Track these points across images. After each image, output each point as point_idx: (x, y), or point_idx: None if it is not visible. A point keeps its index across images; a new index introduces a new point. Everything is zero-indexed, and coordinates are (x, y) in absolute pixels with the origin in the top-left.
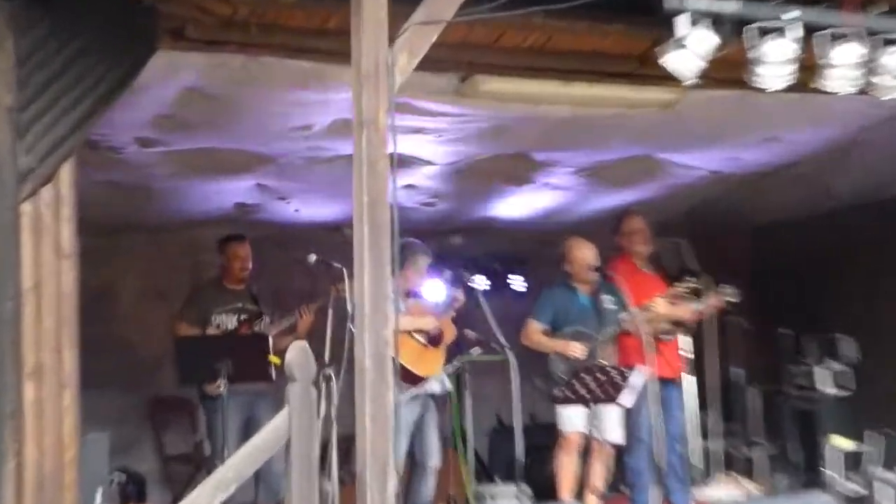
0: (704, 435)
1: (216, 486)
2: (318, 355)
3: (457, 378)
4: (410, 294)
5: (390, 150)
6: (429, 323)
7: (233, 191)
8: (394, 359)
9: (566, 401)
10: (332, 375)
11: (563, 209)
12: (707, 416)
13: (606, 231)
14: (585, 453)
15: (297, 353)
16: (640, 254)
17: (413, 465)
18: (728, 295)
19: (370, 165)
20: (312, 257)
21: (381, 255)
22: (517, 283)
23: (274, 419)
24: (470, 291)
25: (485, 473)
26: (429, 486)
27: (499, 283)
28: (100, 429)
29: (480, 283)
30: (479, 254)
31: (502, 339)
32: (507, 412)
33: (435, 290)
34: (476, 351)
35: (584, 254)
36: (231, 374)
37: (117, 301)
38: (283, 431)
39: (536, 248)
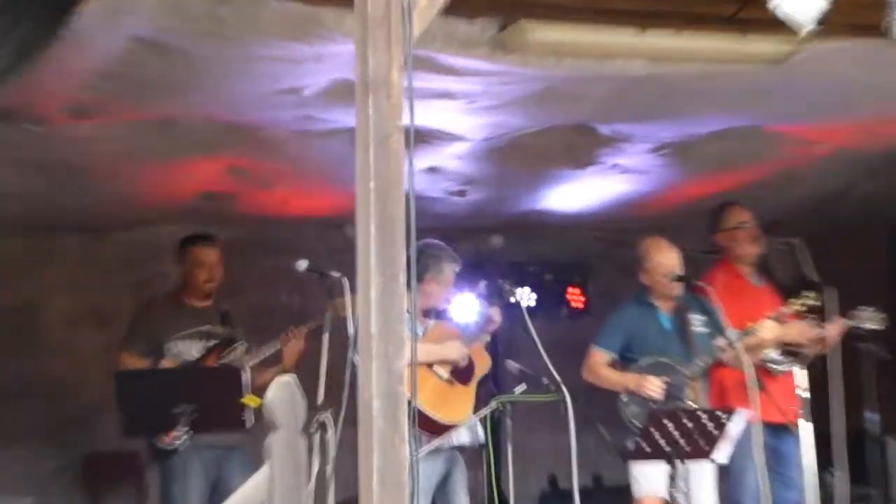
0: (827, 501)
1: None
2: (310, 395)
3: (493, 425)
4: (431, 313)
5: (406, 120)
6: (455, 351)
7: (197, 176)
8: (410, 400)
9: (641, 456)
10: (329, 422)
11: (637, 199)
12: (830, 475)
13: (698, 229)
14: None
15: (281, 392)
16: (745, 258)
17: None
18: (867, 319)
19: (379, 141)
20: (303, 264)
21: (393, 261)
22: (575, 298)
23: (250, 480)
24: (511, 309)
25: None
26: None
27: (550, 299)
28: (17, 497)
29: (525, 297)
30: (524, 259)
31: (555, 373)
32: (562, 471)
33: (465, 307)
34: (519, 389)
35: (666, 259)
36: (193, 422)
37: (40, 326)
38: (262, 495)
39: (601, 251)
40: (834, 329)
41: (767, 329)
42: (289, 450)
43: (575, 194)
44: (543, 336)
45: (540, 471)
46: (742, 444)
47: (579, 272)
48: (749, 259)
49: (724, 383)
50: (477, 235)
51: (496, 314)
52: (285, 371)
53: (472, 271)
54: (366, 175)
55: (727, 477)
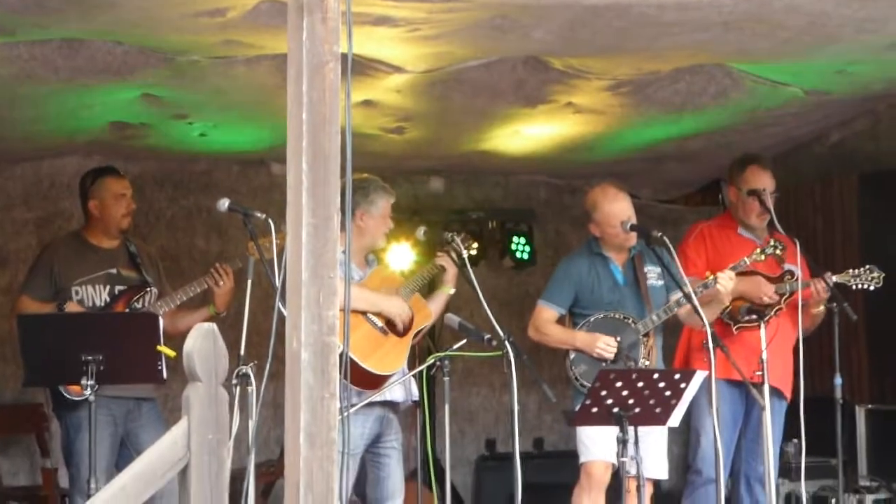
0: (786, 473)
1: None
2: (232, 346)
3: (429, 382)
4: (371, 260)
5: (343, 47)
6: (395, 307)
7: (107, 104)
8: (342, 353)
9: (588, 419)
10: (251, 375)
11: (591, 142)
12: (791, 445)
13: (658, 175)
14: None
15: (201, 340)
16: (746, 223)
17: None
18: (863, 279)
19: (313, 69)
20: (224, 203)
21: (326, 201)
22: (521, 248)
23: (166, 435)
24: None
25: None
26: None
27: (494, 248)
28: None
29: (467, 246)
30: (467, 206)
31: (498, 328)
32: (501, 434)
33: (401, 254)
34: (459, 344)
35: (617, 208)
36: (103, 372)
37: None
38: (180, 452)
39: (550, 198)
40: (819, 284)
41: (724, 280)
42: (209, 403)
43: (524, 136)
44: (485, 288)
45: (478, 433)
46: (699, 407)
47: (525, 220)
48: (750, 226)
49: (691, 343)
50: (416, 178)
51: (449, 263)
52: (218, 313)
53: (410, 216)
54: (298, 107)
55: (689, 440)
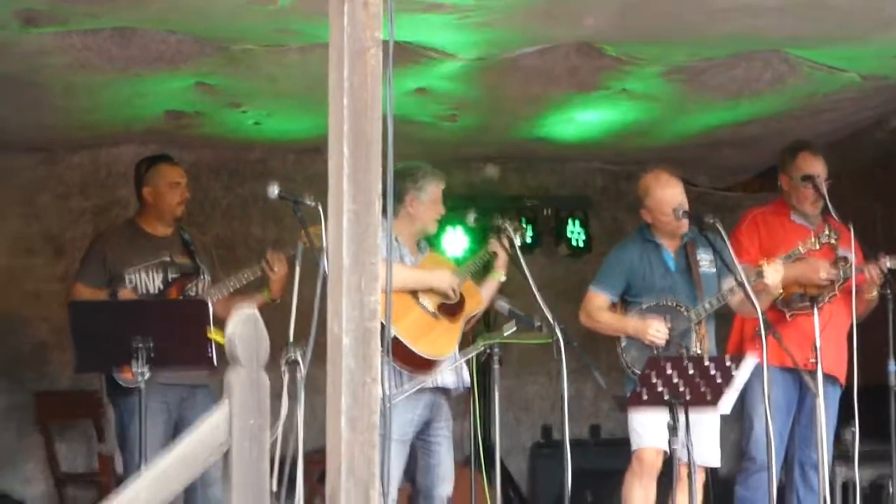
0: (843, 460)
1: None
2: (282, 331)
3: (481, 368)
4: (423, 245)
5: (385, 34)
6: (444, 281)
7: (162, 93)
8: (385, 333)
9: (638, 404)
10: (300, 359)
11: (646, 128)
12: (849, 433)
13: (713, 162)
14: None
15: (243, 325)
16: (799, 210)
17: (414, 492)
18: None
19: (354, 56)
20: (274, 190)
21: (368, 186)
22: (576, 235)
23: (208, 419)
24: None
25: None
26: None
27: (549, 235)
28: None
29: (520, 233)
30: (522, 192)
31: (548, 314)
32: (557, 421)
33: (455, 241)
34: (509, 328)
35: (669, 195)
36: (153, 358)
37: None
38: (221, 437)
39: (606, 185)
40: (873, 269)
41: (770, 273)
42: (251, 388)
43: (578, 122)
44: (540, 275)
45: (533, 420)
46: (753, 394)
47: (581, 207)
48: (803, 212)
49: (744, 332)
50: (470, 165)
51: (500, 249)
52: (272, 300)
53: (465, 203)
54: (339, 93)
55: (743, 428)
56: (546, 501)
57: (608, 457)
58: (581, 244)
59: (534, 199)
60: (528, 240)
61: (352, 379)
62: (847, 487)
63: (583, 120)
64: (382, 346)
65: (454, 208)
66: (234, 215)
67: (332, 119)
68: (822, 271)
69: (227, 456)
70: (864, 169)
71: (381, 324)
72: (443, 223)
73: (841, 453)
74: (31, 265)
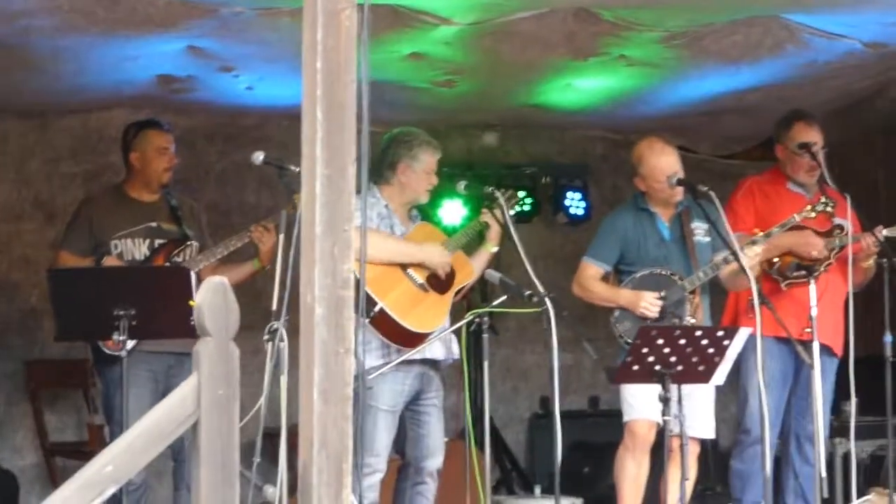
0: (844, 432)
1: (85, 487)
2: (266, 300)
3: (471, 340)
4: (414, 215)
5: None
6: (435, 256)
7: (153, 56)
8: (360, 299)
9: (629, 376)
10: (283, 331)
11: (646, 95)
12: (848, 404)
13: (716, 129)
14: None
15: (211, 295)
16: (795, 178)
17: (403, 463)
18: None
19: (328, 17)
20: (259, 156)
21: (341, 151)
22: (576, 204)
23: (176, 391)
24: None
25: (520, 480)
26: (426, 496)
27: (548, 204)
28: None
29: (513, 202)
30: (522, 160)
31: (538, 284)
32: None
33: (453, 210)
34: (499, 300)
35: (664, 162)
36: (135, 327)
37: None
38: (189, 409)
39: (608, 153)
40: (869, 238)
41: (757, 247)
42: (219, 359)
43: (577, 89)
44: (539, 244)
45: (531, 391)
46: (748, 365)
47: (580, 175)
48: (799, 181)
49: (738, 304)
50: (469, 132)
51: (492, 220)
52: (263, 267)
53: (463, 171)
54: (312, 55)
55: (738, 398)
56: (544, 473)
57: (607, 428)
58: (580, 213)
59: (532, 167)
60: (527, 208)
61: (324, 349)
62: (847, 459)
63: (581, 87)
64: (368, 314)
65: (450, 176)
66: (228, 181)
67: (306, 82)
68: (814, 249)
69: (195, 427)
70: (867, 137)
71: (367, 293)
72: (440, 192)
73: (841, 425)
74: (21, 231)
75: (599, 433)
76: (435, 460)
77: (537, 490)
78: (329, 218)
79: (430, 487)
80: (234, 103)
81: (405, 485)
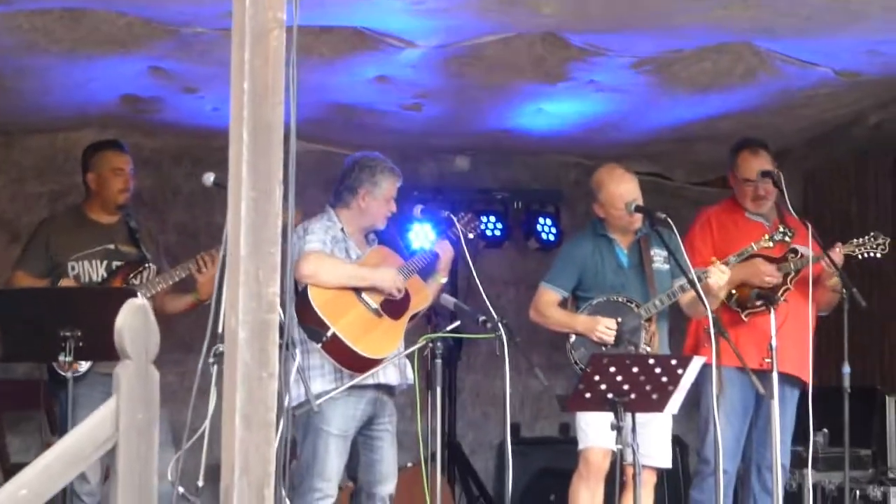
0: (813, 463)
1: None
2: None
3: (429, 366)
4: (371, 238)
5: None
6: (388, 280)
7: (116, 76)
8: (285, 327)
9: (581, 404)
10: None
11: (617, 122)
12: (820, 435)
13: (689, 156)
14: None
15: (132, 318)
16: (746, 207)
17: (356, 490)
18: (868, 246)
19: (255, 38)
20: (209, 178)
21: (268, 173)
22: (547, 229)
23: (94, 413)
24: (472, 240)
25: None
26: None
27: (519, 229)
28: None
29: (472, 226)
30: (493, 185)
31: (491, 310)
32: (527, 417)
33: (423, 234)
34: (452, 325)
35: (623, 190)
36: (81, 348)
37: None
38: (108, 431)
39: (581, 179)
40: (836, 256)
41: (715, 275)
42: (139, 381)
43: (548, 114)
44: (510, 270)
45: (501, 417)
46: (707, 395)
47: (552, 200)
48: (753, 210)
49: (698, 333)
50: (441, 156)
51: (445, 249)
52: (200, 301)
53: (434, 195)
54: (239, 76)
55: (699, 429)
56: (512, 500)
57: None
58: (552, 238)
59: (504, 192)
60: (498, 233)
61: (247, 374)
62: (817, 491)
63: (552, 111)
64: (320, 339)
65: (420, 200)
66: (196, 203)
67: (233, 103)
68: (767, 275)
69: (114, 451)
70: (840, 165)
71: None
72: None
73: (813, 456)
74: None
75: (568, 460)
76: (387, 486)
77: None
78: (254, 241)
79: None
80: (200, 124)
81: None
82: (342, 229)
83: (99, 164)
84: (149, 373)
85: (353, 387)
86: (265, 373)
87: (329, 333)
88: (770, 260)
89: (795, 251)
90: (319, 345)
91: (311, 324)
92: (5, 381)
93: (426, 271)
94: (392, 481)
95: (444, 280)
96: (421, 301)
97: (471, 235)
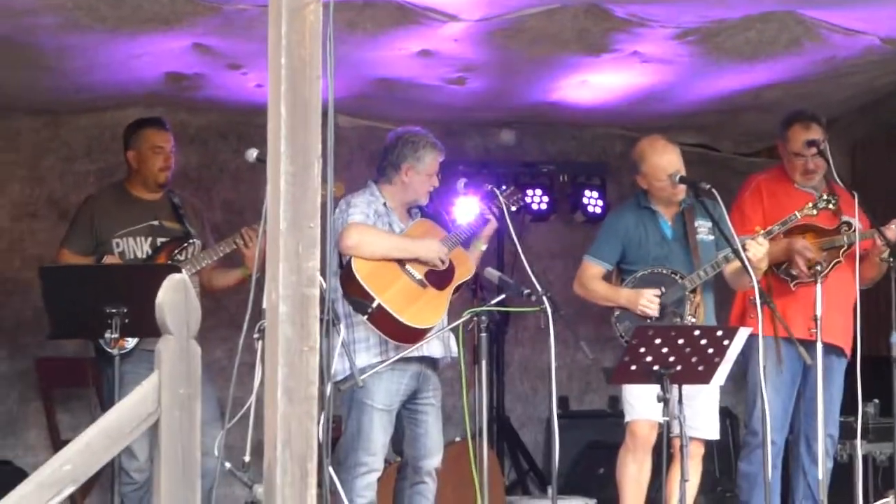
0: (863, 434)
1: (43, 485)
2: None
3: (475, 340)
4: (409, 210)
5: None
6: (431, 250)
7: (160, 54)
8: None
9: (626, 377)
10: None
11: (663, 93)
12: (871, 406)
13: (735, 127)
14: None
15: (172, 292)
16: (794, 178)
17: (402, 464)
18: None
19: (292, 13)
20: (252, 153)
21: (306, 148)
22: (594, 202)
23: (136, 389)
24: (517, 213)
25: (537, 480)
26: (425, 495)
27: (565, 202)
28: None
29: (515, 198)
30: (539, 158)
31: (536, 283)
32: (575, 391)
33: (468, 206)
34: (497, 298)
35: (665, 161)
36: (125, 325)
37: None
38: (150, 407)
39: (626, 151)
40: (891, 233)
41: (753, 247)
42: (180, 357)
43: (592, 86)
44: (557, 243)
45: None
46: (755, 366)
47: (598, 173)
48: (807, 183)
49: (745, 303)
50: (486, 130)
51: (487, 221)
52: (249, 274)
53: (479, 170)
54: (277, 51)
55: (746, 399)
56: (560, 473)
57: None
58: (598, 211)
59: (550, 165)
60: (544, 206)
61: (288, 348)
62: (867, 462)
63: (597, 84)
64: (366, 311)
65: (466, 174)
66: (242, 179)
67: (271, 79)
68: (800, 258)
69: (156, 426)
70: (889, 133)
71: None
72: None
73: (863, 427)
74: (34, 229)
75: (617, 434)
76: (433, 459)
77: (549, 489)
78: (293, 215)
79: (429, 487)
80: (244, 100)
81: (404, 484)
82: (385, 204)
83: (139, 141)
84: (190, 348)
85: (396, 361)
86: (306, 346)
87: (374, 305)
88: (823, 232)
89: (849, 224)
90: (365, 317)
91: (356, 296)
92: (56, 359)
93: (468, 242)
94: (438, 455)
95: (484, 247)
96: (465, 272)
97: (513, 208)
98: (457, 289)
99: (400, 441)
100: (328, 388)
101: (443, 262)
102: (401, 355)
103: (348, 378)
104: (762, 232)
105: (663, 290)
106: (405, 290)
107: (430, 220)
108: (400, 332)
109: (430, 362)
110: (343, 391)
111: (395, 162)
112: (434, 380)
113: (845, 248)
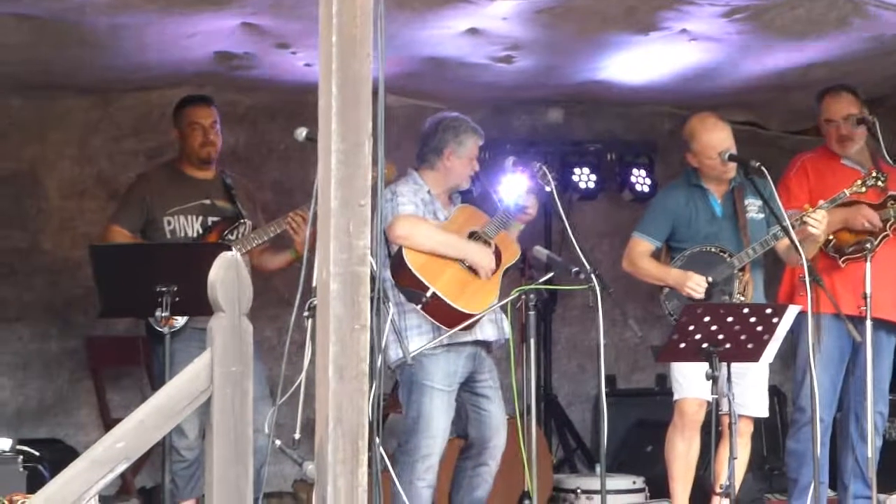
0: None
1: (96, 462)
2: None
3: (523, 318)
4: (451, 195)
5: None
6: (485, 258)
7: (209, 33)
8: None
9: (675, 355)
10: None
11: (711, 71)
12: None
13: (785, 104)
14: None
15: (224, 271)
16: (835, 151)
17: (467, 444)
18: None
19: None
20: (301, 132)
21: (357, 126)
22: (641, 180)
23: (189, 367)
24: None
25: (585, 458)
26: (485, 478)
27: (612, 181)
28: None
29: (549, 178)
30: (587, 137)
31: (584, 261)
32: (623, 370)
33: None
34: (546, 277)
35: (715, 139)
36: (175, 303)
37: (41, 194)
38: (202, 385)
39: (675, 129)
40: None
41: (812, 221)
42: (232, 334)
43: (641, 64)
44: (604, 222)
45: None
46: (803, 343)
47: (646, 151)
48: (850, 155)
49: (794, 280)
50: (534, 108)
51: (531, 203)
52: (298, 257)
53: (527, 148)
54: (328, 29)
55: (794, 376)
56: (608, 451)
57: (672, 407)
58: (646, 190)
59: (598, 143)
60: (592, 185)
61: (339, 325)
62: None
63: (645, 62)
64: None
65: (514, 153)
66: (291, 159)
67: (322, 57)
68: (866, 220)
69: (208, 403)
70: None
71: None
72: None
73: None
74: (83, 208)
75: (665, 412)
76: (500, 438)
77: (597, 466)
78: (344, 193)
79: (490, 469)
80: (294, 80)
81: (466, 464)
82: (429, 192)
83: (180, 119)
84: (242, 325)
85: (451, 343)
86: (357, 324)
87: (429, 294)
88: (869, 207)
89: (895, 198)
90: (420, 306)
91: (410, 286)
92: (106, 338)
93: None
94: (502, 434)
95: (521, 226)
96: (511, 256)
97: (547, 189)
98: (506, 272)
99: (463, 426)
100: (379, 365)
101: (491, 269)
102: (452, 332)
103: (401, 364)
104: (810, 210)
105: (710, 279)
106: (457, 277)
107: (471, 206)
108: (454, 320)
109: (484, 345)
110: (399, 373)
111: (436, 147)
112: (489, 362)
113: (892, 221)
